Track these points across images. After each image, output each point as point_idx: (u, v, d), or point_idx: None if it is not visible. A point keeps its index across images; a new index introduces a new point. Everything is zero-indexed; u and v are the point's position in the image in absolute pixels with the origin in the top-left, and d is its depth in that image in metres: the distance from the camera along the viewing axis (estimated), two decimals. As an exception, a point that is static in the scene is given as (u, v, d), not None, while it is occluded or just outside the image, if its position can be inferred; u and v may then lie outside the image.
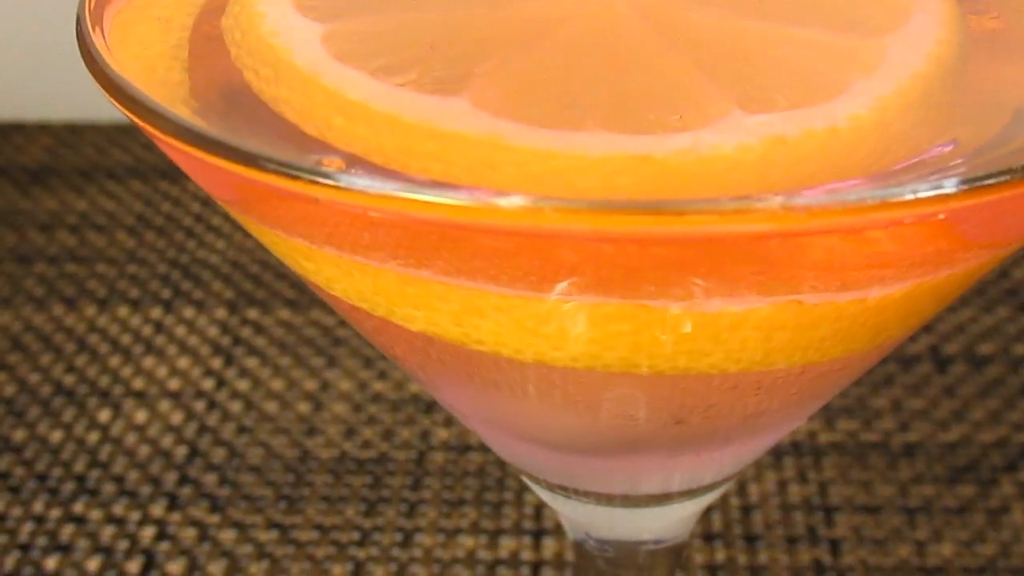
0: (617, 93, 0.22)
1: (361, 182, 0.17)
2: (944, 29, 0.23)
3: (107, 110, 0.74)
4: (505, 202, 0.17)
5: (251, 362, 0.57)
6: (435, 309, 0.21)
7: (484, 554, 0.49)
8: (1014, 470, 0.51)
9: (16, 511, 0.51)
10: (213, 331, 0.59)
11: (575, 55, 0.23)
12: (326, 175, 0.18)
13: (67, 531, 0.50)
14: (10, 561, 0.49)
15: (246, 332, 0.59)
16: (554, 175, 0.20)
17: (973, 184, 0.17)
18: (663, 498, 0.28)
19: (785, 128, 0.20)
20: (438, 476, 0.52)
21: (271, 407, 0.55)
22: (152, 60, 0.23)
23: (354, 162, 0.20)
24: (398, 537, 0.50)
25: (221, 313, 0.60)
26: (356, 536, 0.50)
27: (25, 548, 0.49)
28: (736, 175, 0.20)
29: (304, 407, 0.55)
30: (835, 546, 0.49)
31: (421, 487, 0.52)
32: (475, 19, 0.24)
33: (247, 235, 0.63)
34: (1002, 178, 0.17)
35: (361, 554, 0.49)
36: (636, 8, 0.24)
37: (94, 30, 0.22)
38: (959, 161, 0.20)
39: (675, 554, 0.31)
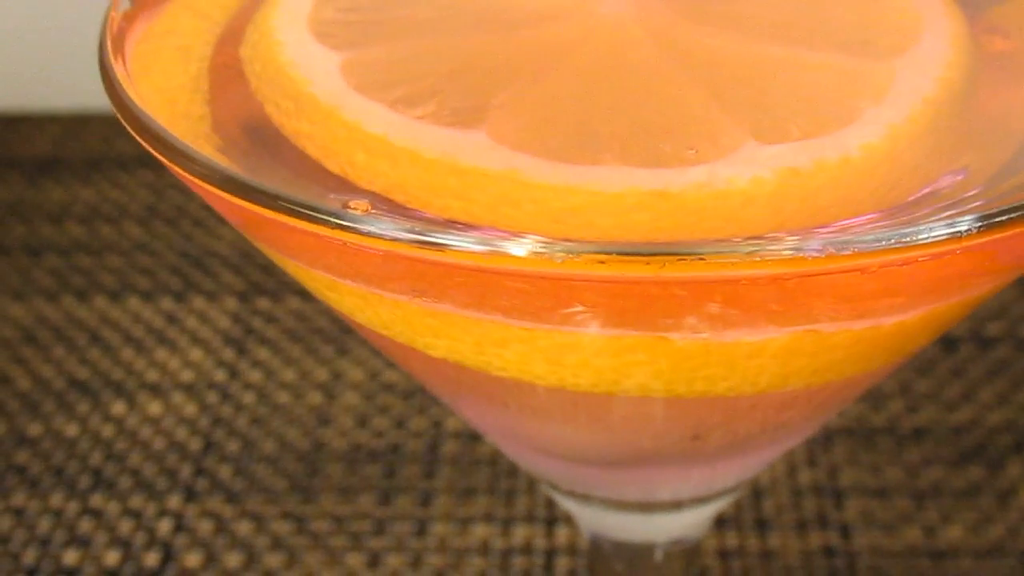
0: (632, 124, 0.22)
1: (378, 228, 0.18)
2: (954, 51, 0.23)
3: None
4: (516, 250, 0.17)
5: (263, 353, 0.58)
6: (456, 339, 0.21)
7: (498, 542, 0.50)
8: (1022, 452, 0.51)
9: (35, 505, 0.51)
10: (225, 322, 0.60)
11: (590, 83, 0.23)
12: (347, 219, 0.18)
13: (85, 525, 0.50)
14: (30, 555, 0.49)
15: (257, 322, 0.59)
16: (573, 212, 0.20)
17: (988, 223, 0.17)
18: (677, 504, 0.28)
19: (798, 160, 0.20)
20: (451, 465, 0.53)
21: (284, 397, 0.56)
22: (173, 92, 0.23)
23: (377, 202, 0.21)
24: (412, 526, 0.50)
25: (232, 303, 0.61)
26: (371, 526, 0.50)
27: (44, 542, 0.50)
28: (751, 211, 0.20)
29: (316, 397, 0.56)
30: (845, 530, 0.49)
31: (434, 476, 0.52)
32: (490, 45, 0.24)
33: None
34: (1015, 215, 0.18)
35: (376, 544, 0.50)
36: (648, 31, 0.24)
37: (116, 59, 0.23)
38: (973, 192, 0.21)
39: (690, 553, 0.32)
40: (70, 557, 0.49)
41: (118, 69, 0.22)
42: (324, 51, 0.23)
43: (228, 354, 0.58)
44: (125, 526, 0.50)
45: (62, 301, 0.61)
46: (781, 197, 0.20)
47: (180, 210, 0.66)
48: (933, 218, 0.19)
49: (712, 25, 0.24)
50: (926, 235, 0.17)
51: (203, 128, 0.23)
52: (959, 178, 0.21)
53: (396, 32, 0.24)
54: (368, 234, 0.18)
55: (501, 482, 0.52)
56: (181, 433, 0.54)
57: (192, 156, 0.19)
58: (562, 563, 0.49)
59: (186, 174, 0.20)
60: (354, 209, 0.19)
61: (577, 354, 0.21)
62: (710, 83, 0.23)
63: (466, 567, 0.49)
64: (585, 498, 0.29)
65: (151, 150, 0.20)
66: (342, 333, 0.59)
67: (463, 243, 0.17)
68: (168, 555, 0.49)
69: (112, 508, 0.51)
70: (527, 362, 0.21)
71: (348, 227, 0.18)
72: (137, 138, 0.20)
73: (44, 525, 0.50)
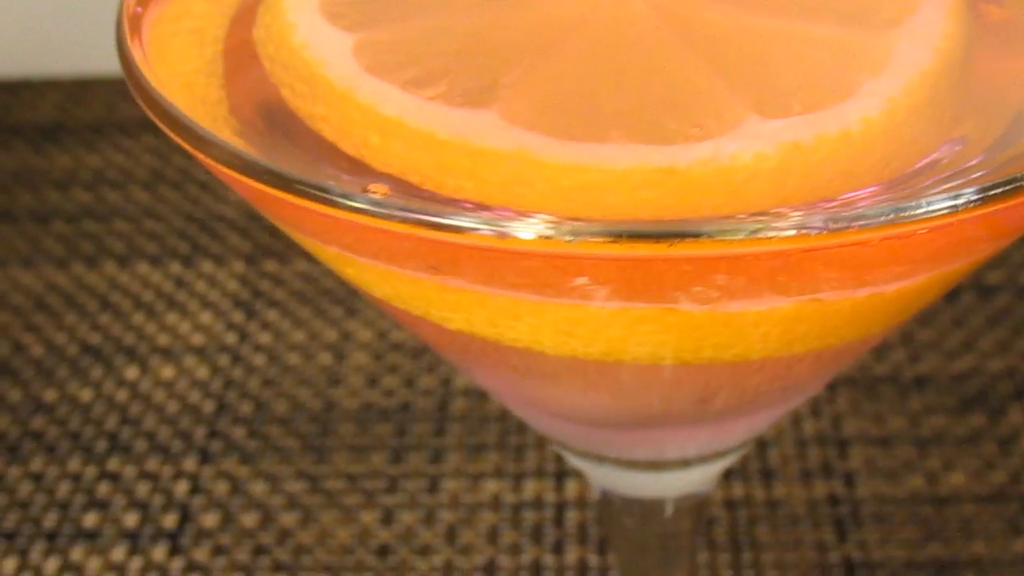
0: (638, 100, 0.22)
1: (396, 212, 0.18)
2: (950, 21, 0.24)
3: (115, 64, 0.74)
4: (523, 232, 0.18)
5: (272, 315, 0.59)
6: (471, 312, 0.22)
7: (508, 497, 0.51)
8: (1023, 399, 0.52)
9: (53, 470, 0.52)
10: (233, 285, 0.60)
11: (595, 59, 0.23)
12: (366, 203, 0.18)
13: (103, 488, 0.51)
14: (50, 519, 0.50)
15: (265, 285, 0.60)
16: (583, 191, 0.21)
17: (986, 195, 0.18)
18: (685, 463, 0.29)
19: (800, 134, 0.21)
20: (460, 422, 0.54)
21: (294, 359, 0.56)
22: (190, 76, 0.24)
23: (393, 183, 0.21)
24: (424, 483, 0.51)
25: (239, 266, 0.61)
26: (384, 484, 0.51)
27: (64, 506, 0.51)
28: (754, 186, 0.21)
29: (326, 358, 0.57)
30: (849, 478, 0.50)
31: (444, 433, 0.53)
32: (496, 23, 0.24)
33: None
34: (1013, 186, 0.18)
35: (389, 501, 0.51)
36: (651, 5, 0.24)
37: (133, 42, 0.23)
38: (972, 163, 0.21)
39: (700, 507, 0.32)
40: (90, 520, 0.50)
41: (136, 53, 0.23)
42: (336, 32, 0.24)
43: (237, 317, 0.59)
44: (142, 488, 0.51)
45: (71, 267, 0.61)
46: (784, 172, 0.21)
47: (185, 174, 0.67)
48: (933, 191, 0.19)
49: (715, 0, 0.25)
50: (925, 209, 0.18)
51: (221, 112, 0.23)
52: (957, 148, 0.22)
53: (404, 11, 0.25)
54: (386, 216, 0.18)
55: (511, 438, 0.53)
56: (194, 396, 0.55)
57: (218, 144, 0.20)
58: (572, 516, 0.50)
59: (211, 161, 0.20)
60: (374, 192, 0.19)
61: (588, 326, 0.21)
62: (712, 57, 0.23)
63: (478, 522, 0.50)
64: (596, 458, 0.30)
65: (175, 137, 0.21)
66: (350, 294, 0.59)
67: (477, 226, 0.18)
68: (186, 516, 0.50)
69: (129, 471, 0.52)
70: (539, 333, 0.22)
71: (368, 211, 0.18)
72: (161, 125, 0.21)
73: (63, 489, 0.51)
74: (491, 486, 0.51)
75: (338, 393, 0.55)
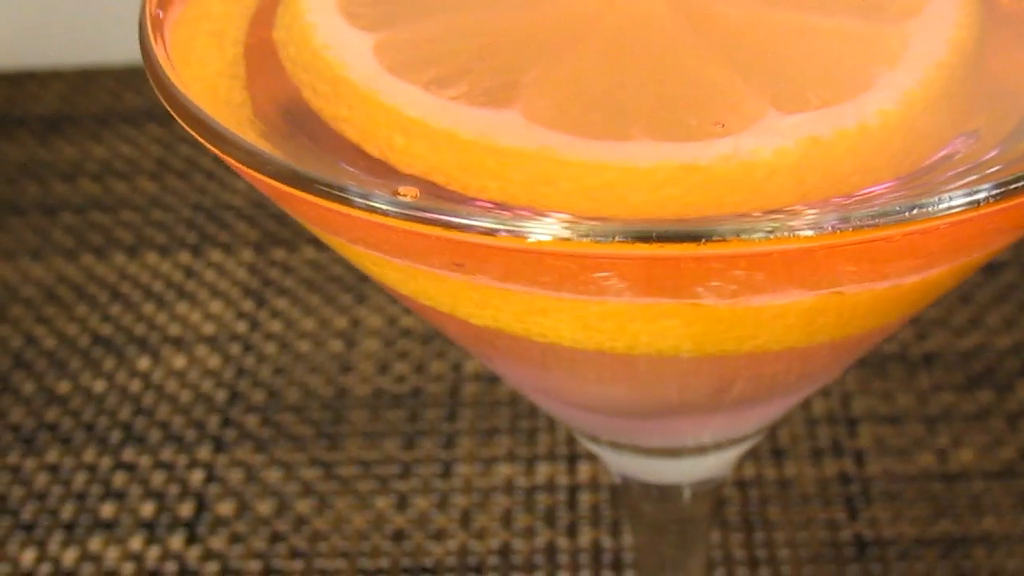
0: (658, 97, 0.23)
1: (419, 213, 0.19)
2: (963, 11, 0.24)
3: (118, 53, 0.74)
4: (537, 234, 0.18)
5: (281, 303, 0.59)
6: (497, 308, 0.22)
7: (521, 480, 0.51)
8: (1029, 374, 0.53)
9: (69, 461, 0.52)
10: (242, 273, 0.60)
11: (614, 56, 0.24)
12: (387, 203, 0.19)
13: (119, 478, 0.52)
14: (68, 510, 0.51)
15: (274, 273, 0.60)
16: (606, 189, 0.21)
17: (1005, 190, 0.18)
18: (702, 450, 0.29)
19: (818, 128, 0.21)
20: (472, 406, 0.54)
21: (305, 347, 0.57)
22: (212, 79, 0.24)
23: (419, 185, 0.22)
24: (437, 468, 0.52)
25: (248, 255, 0.61)
26: (397, 469, 0.52)
27: (81, 497, 0.51)
28: (775, 182, 0.21)
29: (337, 345, 0.57)
30: (859, 457, 0.50)
31: (456, 418, 0.54)
32: (515, 20, 0.25)
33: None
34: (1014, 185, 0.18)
35: (403, 486, 0.51)
36: (670, 2, 0.25)
37: (157, 45, 0.23)
38: (989, 156, 0.22)
39: (717, 491, 0.33)
40: (107, 510, 0.51)
41: (160, 55, 0.23)
42: (356, 33, 0.24)
43: (248, 305, 0.59)
44: (158, 478, 0.52)
45: (81, 259, 0.62)
46: (803, 167, 0.21)
47: (191, 163, 0.67)
48: (951, 186, 0.20)
49: None
50: (946, 205, 0.18)
51: (245, 114, 0.23)
52: (971, 141, 0.22)
53: (422, 9, 0.25)
54: (415, 219, 0.19)
55: (522, 422, 0.53)
56: (207, 385, 0.55)
57: (248, 149, 0.20)
58: (585, 498, 0.50)
59: (240, 165, 0.20)
60: (404, 195, 0.20)
61: (613, 321, 0.22)
62: (729, 52, 0.23)
63: (492, 506, 0.50)
64: (613, 445, 0.30)
65: (203, 140, 0.21)
66: (359, 281, 0.60)
67: (498, 226, 0.18)
68: (202, 505, 0.51)
69: (144, 461, 0.52)
70: (564, 328, 0.22)
71: (395, 214, 0.19)
72: (189, 129, 0.21)
73: (79, 480, 0.52)
74: (504, 470, 0.52)
75: (349, 380, 0.55)
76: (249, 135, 0.22)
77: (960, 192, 0.18)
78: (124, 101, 0.71)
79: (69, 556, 0.49)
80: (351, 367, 0.56)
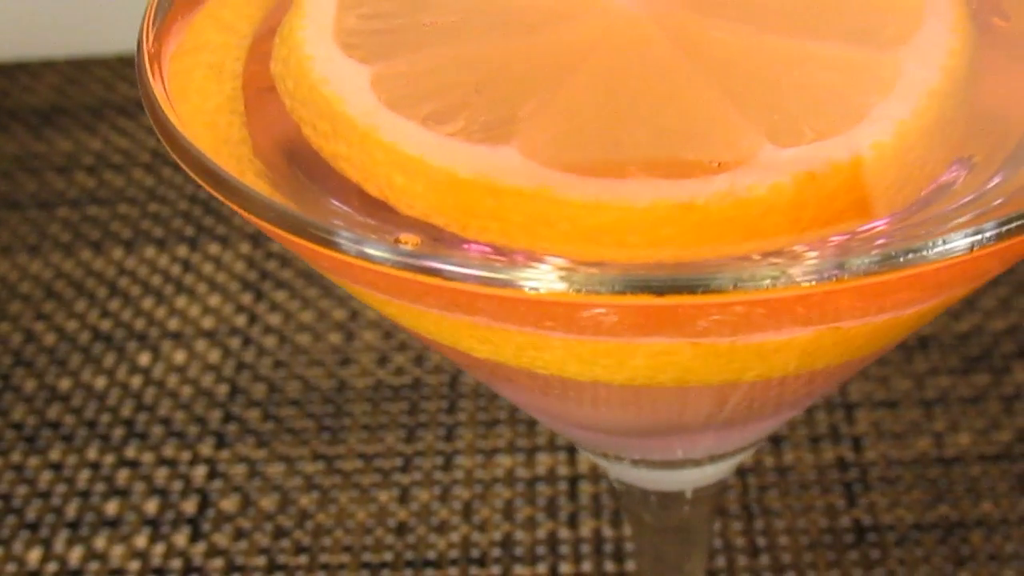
0: (654, 130, 0.23)
1: (416, 261, 0.19)
2: (955, 37, 0.24)
3: (111, 44, 0.73)
4: (531, 287, 0.18)
5: (280, 295, 0.59)
6: (497, 344, 0.22)
7: (522, 472, 0.52)
8: (1025, 357, 0.53)
9: (72, 459, 0.53)
10: (240, 266, 0.61)
11: (610, 87, 0.24)
12: (400, 255, 0.19)
13: (123, 476, 0.52)
14: (72, 509, 0.51)
15: (272, 265, 0.61)
16: (604, 230, 0.21)
17: (1003, 231, 0.18)
18: (703, 461, 0.30)
19: (813, 163, 0.21)
20: (472, 398, 0.54)
21: (304, 339, 0.57)
22: (212, 115, 0.24)
23: (419, 229, 0.22)
24: (439, 461, 0.52)
25: (245, 247, 0.62)
26: (399, 462, 0.52)
27: (85, 495, 0.51)
28: (772, 219, 0.21)
29: (336, 337, 0.57)
30: (857, 442, 0.51)
31: (456, 410, 0.54)
32: (511, 50, 0.25)
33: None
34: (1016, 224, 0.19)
35: (405, 480, 0.51)
36: (661, 26, 0.25)
37: (155, 80, 0.23)
38: (989, 187, 0.22)
39: (718, 493, 0.33)
40: (111, 508, 0.51)
41: (158, 92, 0.23)
42: (353, 65, 0.24)
43: (246, 298, 0.59)
44: (161, 475, 0.52)
45: (78, 254, 0.62)
46: (799, 204, 0.21)
47: (186, 154, 0.67)
48: (949, 224, 0.20)
49: (721, 17, 0.25)
50: (941, 249, 0.18)
51: (245, 152, 0.23)
52: (965, 171, 0.22)
53: (419, 40, 0.25)
54: (412, 268, 0.19)
55: (521, 413, 0.54)
56: (207, 380, 0.56)
57: (250, 196, 0.20)
58: (585, 489, 0.51)
59: (241, 210, 0.20)
60: (404, 243, 0.20)
61: (612, 357, 0.22)
62: (723, 81, 0.24)
63: (493, 497, 0.51)
64: (614, 457, 0.30)
65: (204, 184, 0.21)
66: (357, 273, 0.60)
67: (485, 277, 0.19)
68: (205, 501, 0.51)
69: (147, 458, 0.53)
70: (565, 363, 0.22)
71: (393, 262, 0.19)
72: (187, 170, 0.21)
73: (83, 478, 0.52)
74: (505, 461, 0.52)
75: (349, 373, 0.56)
76: (248, 175, 0.22)
77: (959, 234, 0.18)
78: (118, 91, 0.71)
79: (75, 555, 0.49)
80: (351, 360, 0.56)
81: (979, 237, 0.19)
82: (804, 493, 0.49)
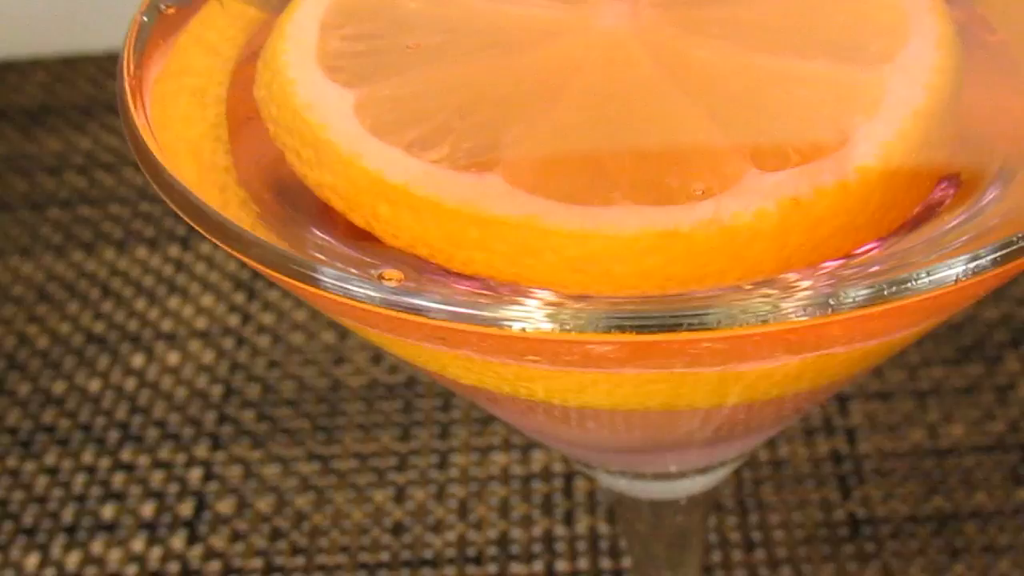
0: (638, 155, 0.23)
1: (409, 301, 0.19)
2: (940, 54, 0.24)
3: (99, 41, 0.73)
4: (517, 328, 0.18)
5: (273, 294, 0.59)
6: (482, 374, 0.22)
7: (517, 469, 0.52)
8: (1019, 346, 0.53)
9: (67, 463, 0.53)
10: (232, 265, 0.61)
11: (594, 110, 0.24)
12: (382, 292, 0.19)
13: (118, 479, 0.52)
14: (68, 513, 0.51)
15: (264, 264, 0.60)
16: (590, 260, 0.21)
17: (1000, 253, 0.18)
18: (696, 472, 0.30)
19: (799, 188, 0.21)
20: (466, 395, 0.54)
21: (297, 338, 0.57)
22: (196, 142, 0.24)
23: (403, 261, 0.22)
24: (434, 459, 0.52)
25: (238, 246, 0.61)
26: (394, 461, 0.52)
27: (81, 499, 0.51)
28: (757, 246, 0.21)
29: (329, 336, 0.57)
30: (851, 435, 0.51)
31: (451, 407, 0.54)
32: (495, 72, 0.25)
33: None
34: (1012, 248, 0.18)
35: (400, 479, 0.52)
36: (645, 45, 0.25)
37: (136, 109, 0.23)
38: (975, 207, 0.21)
39: (711, 497, 0.33)
40: (107, 512, 0.51)
41: (140, 122, 0.23)
42: (337, 90, 0.24)
43: (239, 298, 0.59)
44: (157, 478, 0.52)
45: (70, 255, 0.62)
46: (785, 231, 0.21)
47: (177, 152, 0.67)
48: (938, 252, 0.20)
49: (705, 35, 0.25)
50: (927, 280, 0.18)
51: (230, 180, 0.23)
52: (952, 192, 0.22)
53: (402, 62, 0.25)
54: (393, 307, 0.19)
55: (516, 410, 0.54)
56: (201, 381, 0.56)
57: (242, 236, 0.20)
58: (581, 486, 0.51)
59: (226, 246, 0.20)
60: (388, 280, 0.20)
61: (601, 387, 0.22)
62: (707, 102, 0.23)
63: (489, 495, 0.51)
64: (605, 471, 0.30)
65: (184, 217, 0.21)
66: (349, 271, 0.60)
67: (470, 320, 0.18)
68: (202, 503, 0.51)
69: (143, 461, 0.53)
70: (552, 393, 0.22)
71: (375, 301, 0.19)
72: (172, 206, 0.21)
73: (79, 482, 0.52)
74: (500, 459, 0.52)
75: (343, 372, 0.56)
76: (232, 205, 0.22)
77: (957, 261, 0.18)
78: (107, 89, 0.71)
79: (72, 559, 0.50)
80: (345, 358, 0.56)
81: (976, 264, 0.18)
82: (799, 487, 0.50)
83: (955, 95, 0.24)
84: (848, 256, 0.22)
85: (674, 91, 0.24)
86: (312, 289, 0.19)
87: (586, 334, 0.18)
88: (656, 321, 0.18)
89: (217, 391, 0.55)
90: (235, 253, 0.20)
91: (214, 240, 0.21)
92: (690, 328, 0.18)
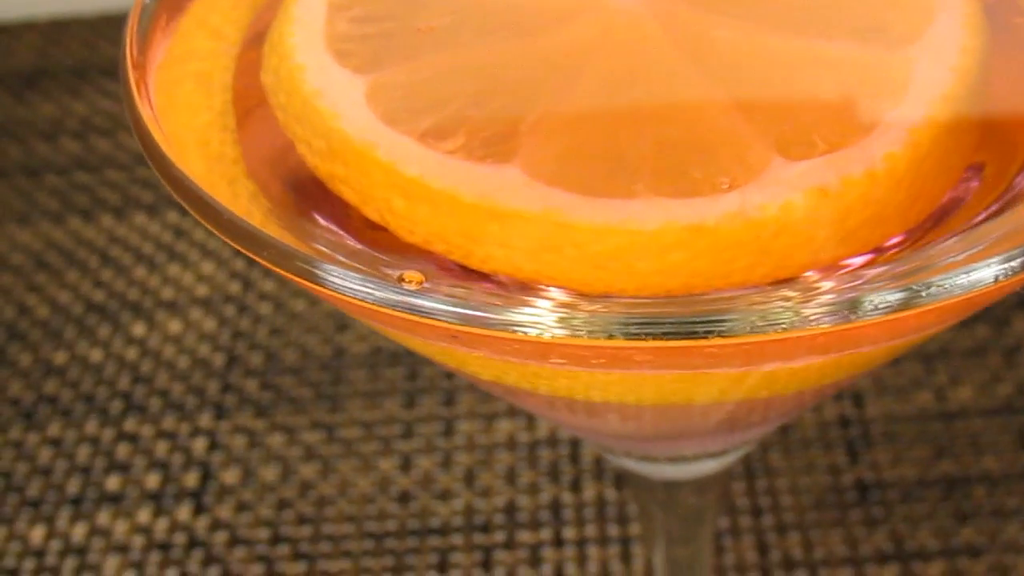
0: (660, 143, 0.22)
1: (428, 304, 0.18)
2: (967, 33, 0.23)
3: (91, 3, 0.72)
4: (534, 333, 0.18)
5: (274, 261, 0.58)
6: (501, 371, 0.22)
7: (523, 436, 0.51)
8: (1026, 308, 0.53)
9: (71, 434, 0.52)
10: (232, 231, 0.60)
11: (612, 95, 0.23)
12: (404, 294, 0.18)
13: (123, 450, 0.52)
14: (74, 485, 0.51)
15: (265, 229, 0.60)
16: (613, 256, 0.20)
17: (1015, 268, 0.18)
18: (711, 456, 0.29)
19: (826, 177, 0.21)
20: (471, 362, 0.54)
21: (299, 305, 0.57)
22: (202, 130, 0.23)
23: (421, 259, 0.21)
24: (439, 427, 0.52)
25: (237, 212, 0.61)
26: (399, 429, 0.52)
27: (85, 470, 0.51)
28: (784, 240, 0.20)
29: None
30: (858, 399, 0.51)
31: (456, 375, 0.54)
32: (509, 55, 0.24)
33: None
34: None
35: (406, 447, 0.51)
36: (663, 26, 0.24)
37: (140, 96, 0.22)
38: (1004, 200, 0.21)
39: (725, 477, 0.33)
40: (112, 483, 0.51)
41: (145, 112, 0.22)
42: (347, 75, 0.23)
43: (239, 264, 0.59)
44: (161, 448, 0.52)
45: (67, 222, 0.61)
46: (812, 223, 0.21)
47: (173, 116, 0.66)
48: (971, 251, 0.19)
49: (724, 14, 0.24)
50: (965, 280, 0.18)
51: (239, 171, 0.23)
52: (977, 182, 0.22)
53: (413, 45, 0.24)
54: (419, 312, 0.18)
55: (521, 376, 0.53)
56: (204, 350, 0.55)
57: (256, 237, 0.20)
58: (587, 452, 0.51)
59: (238, 245, 0.20)
60: (408, 283, 0.19)
61: (620, 386, 0.21)
62: (730, 87, 0.23)
63: (495, 463, 0.50)
64: (616, 453, 0.30)
65: (192, 212, 0.20)
66: (351, 237, 0.59)
67: (486, 325, 0.18)
68: (207, 474, 0.51)
69: (146, 431, 0.52)
70: (574, 389, 0.22)
71: (403, 305, 0.18)
72: (179, 198, 0.20)
73: (83, 454, 0.52)
74: (505, 426, 0.52)
75: (347, 339, 0.55)
76: (242, 199, 0.22)
77: (990, 264, 0.18)
78: (101, 52, 0.70)
79: (78, 531, 0.49)
80: (347, 324, 0.56)
81: (1008, 266, 0.18)
82: (806, 451, 0.49)
83: (982, 77, 0.23)
84: (877, 250, 0.21)
85: (695, 75, 0.23)
86: (327, 292, 0.19)
87: (598, 340, 0.18)
88: (671, 328, 0.17)
89: (220, 359, 0.55)
90: (247, 252, 0.20)
91: (226, 239, 0.20)
92: (707, 336, 0.17)
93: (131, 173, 0.63)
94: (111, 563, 0.48)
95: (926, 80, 0.22)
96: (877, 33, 0.24)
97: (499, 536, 0.48)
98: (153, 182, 0.63)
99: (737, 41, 0.24)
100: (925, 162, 0.21)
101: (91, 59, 0.69)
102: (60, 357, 0.55)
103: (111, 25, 0.71)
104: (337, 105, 0.23)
